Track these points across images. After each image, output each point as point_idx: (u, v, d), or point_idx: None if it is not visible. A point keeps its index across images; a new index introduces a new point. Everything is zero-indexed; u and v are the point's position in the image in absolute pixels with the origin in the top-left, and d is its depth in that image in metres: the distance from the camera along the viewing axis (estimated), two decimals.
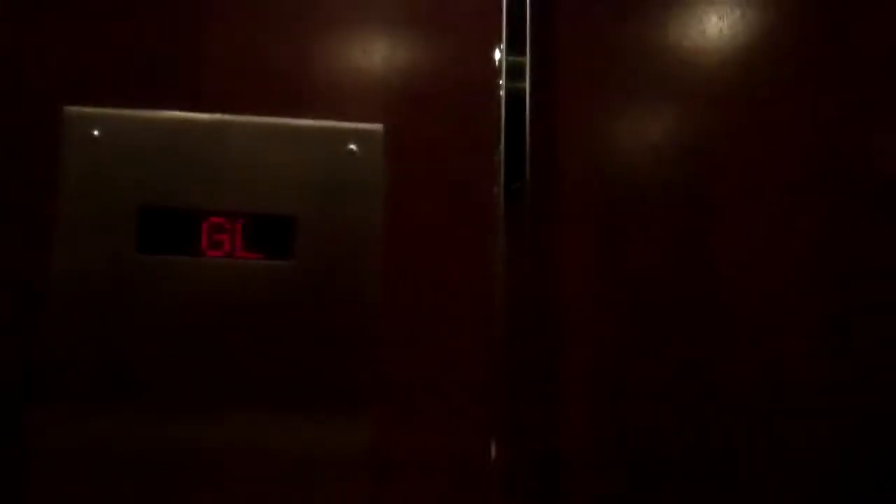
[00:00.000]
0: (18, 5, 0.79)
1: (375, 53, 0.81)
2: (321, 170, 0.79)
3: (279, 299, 0.78)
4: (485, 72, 0.81)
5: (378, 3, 0.82)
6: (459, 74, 0.81)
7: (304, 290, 0.78)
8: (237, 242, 0.78)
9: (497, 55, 0.81)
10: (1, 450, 0.74)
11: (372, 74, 0.81)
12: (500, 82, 0.81)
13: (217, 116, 0.79)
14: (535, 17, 0.81)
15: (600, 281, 0.82)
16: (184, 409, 0.76)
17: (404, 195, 0.80)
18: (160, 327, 0.76)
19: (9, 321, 0.76)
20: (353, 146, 0.80)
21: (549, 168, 0.81)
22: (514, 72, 0.81)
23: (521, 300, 0.80)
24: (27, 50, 0.79)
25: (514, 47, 0.81)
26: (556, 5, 0.83)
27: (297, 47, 0.81)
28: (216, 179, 0.79)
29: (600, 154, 0.83)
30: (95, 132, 0.78)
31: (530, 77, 0.81)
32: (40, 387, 0.74)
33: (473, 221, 0.80)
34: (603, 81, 0.83)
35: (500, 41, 0.81)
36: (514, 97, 0.81)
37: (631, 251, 0.82)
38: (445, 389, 0.79)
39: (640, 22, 0.83)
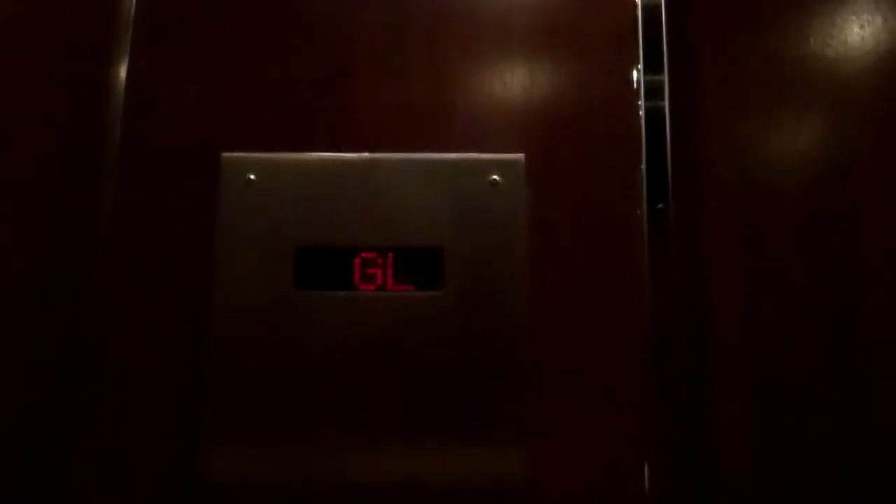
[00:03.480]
0: (178, 59, 0.84)
1: (514, 83, 0.83)
2: (465, 201, 0.81)
3: (430, 329, 0.80)
4: (623, 93, 0.82)
5: (515, 33, 0.83)
6: (598, 97, 0.82)
7: (454, 320, 0.80)
8: (388, 275, 0.80)
9: (635, 75, 0.81)
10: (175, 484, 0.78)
11: (511, 104, 0.83)
12: (640, 102, 0.81)
13: (364, 155, 0.82)
14: (671, 34, 0.81)
15: (747, 297, 0.81)
16: (340, 440, 0.78)
17: (548, 221, 0.81)
18: (318, 360, 0.79)
19: (175, 358, 0.80)
20: (495, 176, 0.81)
21: (692, 186, 0.81)
22: (653, 91, 0.81)
23: (668, 320, 0.80)
24: (186, 101, 0.83)
25: (652, 66, 0.81)
26: (692, 22, 0.83)
27: (437, 83, 0.83)
28: (366, 216, 0.81)
29: (742, 168, 0.82)
30: (251, 176, 0.81)
31: (669, 95, 0.81)
32: (207, 421, 0.78)
33: (617, 244, 0.81)
34: (741, 95, 0.82)
35: (637, 61, 0.81)
36: (654, 116, 0.81)
37: (776, 265, 0.81)
38: (598, 412, 0.79)
39: (779, 33, 0.82)
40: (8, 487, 0.74)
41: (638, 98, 0.81)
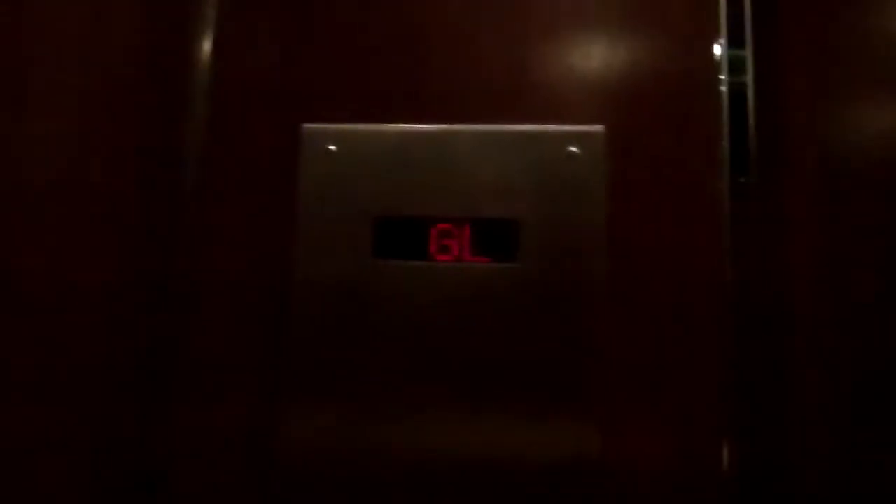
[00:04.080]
0: (260, 32, 0.86)
1: (594, 55, 0.82)
2: (543, 173, 0.81)
3: (506, 301, 0.80)
4: (705, 67, 0.81)
5: (596, 5, 0.83)
6: (679, 71, 0.81)
7: (530, 292, 0.80)
8: (465, 247, 0.81)
9: (717, 50, 0.80)
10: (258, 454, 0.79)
11: (591, 76, 0.82)
12: (722, 77, 0.80)
13: (442, 126, 0.82)
14: (755, 8, 0.80)
15: (830, 274, 0.79)
16: (415, 409, 0.79)
17: (626, 195, 0.80)
18: (395, 328, 0.80)
19: (258, 325, 0.81)
20: (573, 148, 0.81)
21: (775, 161, 0.80)
22: (736, 66, 0.80)
23: (750, 296, 0.78)
24: (268, 73, 0.85)
25: (735, 41, 0.80)
26: None
27: (517, 54, 0.83)
28: (443, 187, 0.82)
29: (827, 145, 0.80)
30: (331, 147, 0.83)
31: (752, 70, 0.80)
32: (287, 389, 0.80)
33: (698, 219, 0.80)
34: (827, 71, 0.81)
35: (720, 35, 0.80)
36: (737, 91, 0.80)
37: (861, 243, 0.79)
38: (674, 390, 0.78)
39: (867, 6, 0.80)
40: (93, 462, 0.77)
41: (720, 72, 0.80)
